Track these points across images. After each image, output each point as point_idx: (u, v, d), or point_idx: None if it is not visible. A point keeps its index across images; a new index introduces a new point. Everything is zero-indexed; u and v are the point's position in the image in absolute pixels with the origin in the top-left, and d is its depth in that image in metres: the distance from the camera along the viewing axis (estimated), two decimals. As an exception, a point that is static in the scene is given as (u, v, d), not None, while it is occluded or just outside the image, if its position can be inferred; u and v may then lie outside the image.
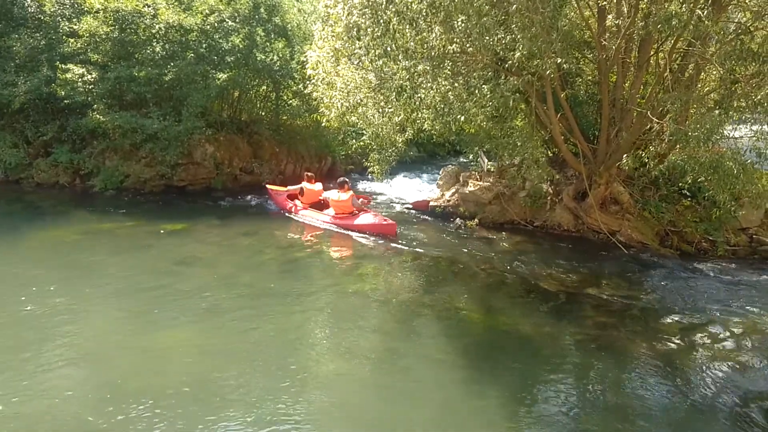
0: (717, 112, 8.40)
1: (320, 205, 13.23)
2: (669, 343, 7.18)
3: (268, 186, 14.53)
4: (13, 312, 7.18)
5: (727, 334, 7.47)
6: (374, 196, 16.08)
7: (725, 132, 9.06)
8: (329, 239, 11.38)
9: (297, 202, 13.43)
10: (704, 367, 6.63)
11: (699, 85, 10.19)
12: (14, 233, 10.82)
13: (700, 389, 6.14)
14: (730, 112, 8.71)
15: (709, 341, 7.27)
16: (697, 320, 7.91)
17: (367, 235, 11.45)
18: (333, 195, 12.58)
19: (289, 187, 14.02)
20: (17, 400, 5.32)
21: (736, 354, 6.97)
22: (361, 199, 12.93)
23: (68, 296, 7.80)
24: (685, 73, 10.16)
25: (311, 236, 11.68)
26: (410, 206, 14.36)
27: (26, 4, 15.05)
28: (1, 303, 7.49)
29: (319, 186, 13.28)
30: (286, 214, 13.26)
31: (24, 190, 14.78)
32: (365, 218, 11.98)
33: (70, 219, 12.34)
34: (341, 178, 13.07)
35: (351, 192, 12.56)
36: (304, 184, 13.33)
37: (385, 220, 11.63)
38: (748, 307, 8.40)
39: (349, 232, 11.88)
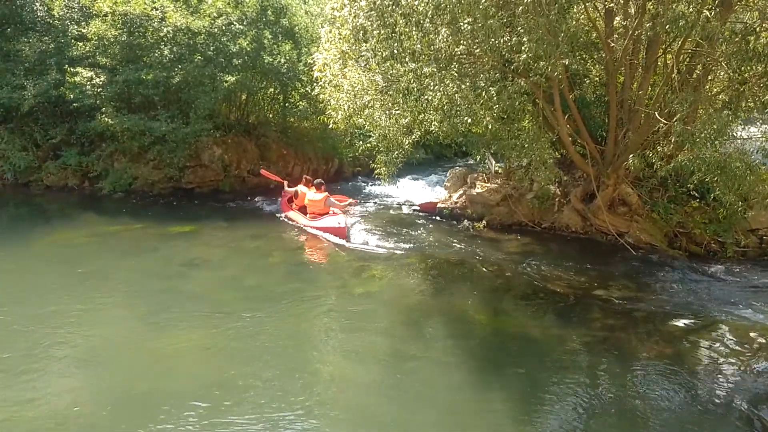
0: (726, 112, 8.36)
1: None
2: (678, 345, 7.14)
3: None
4: (21, 315, 7.21)
5: (737, 336, 7.42)
6: (381, 198, 16.11)
7: (733, 133, 9.03)
8: (336, 242, 11.38)
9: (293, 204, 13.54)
10: (714, 370, 6.59)
11: (707, 86, 10.14)
12: (23, 236, 10.87)
13: (709, 392, 6.10)
14: (739, 113, 8.67)
15: (718, 343, 7.22)
16: (706, 322, 7.87)
17: (372, 236, 11.50)
18: (309, 195, 12.84)
19: (287, 189, 14.00)
20: (25, 403, 5.34)
21: (746, 356, 6.92)
22: (349, 201, 13.63)
23: (76, 299, 7.84)
24: (693, 74, 10.12)
25: (318, 239, 11.68)
26: (417, 208, 14.35)
27: (35, 8, 15.16)
28: (8, 305, 7.53)
29: (313, 190, 13.25)
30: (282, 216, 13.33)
31: (33, 192, 14.87)
32: (326, 221, 12.13)
33: (79, 221, 12.40)
34: (318, 180, 13.31)
35: (326, 193, 12.81)
36: (300, 187, 13.40)
37: (339, 223, 11.71)
38: (757, 309, 8.34)
39: (314, 232, 11.99)
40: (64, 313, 7.33)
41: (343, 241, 11.29)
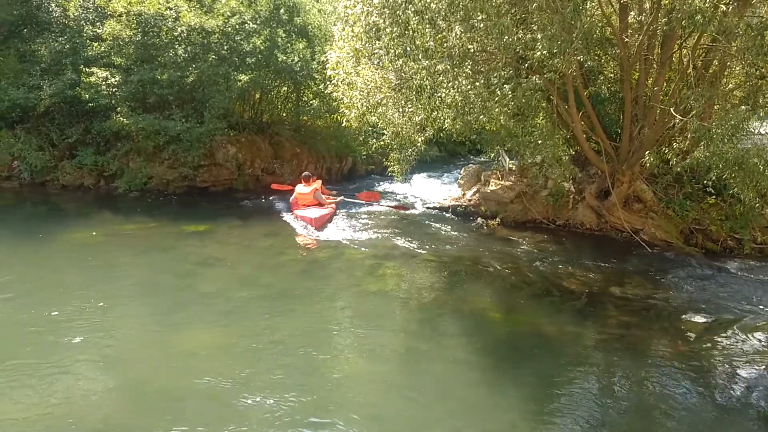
0: (743, 108, 8.27)
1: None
2: (693, 343, 7.09)
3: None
4: (37, 313, 7.27)
5: (753, 333, 7.35)
6: (395, 196, 16.11)
7: (752, 128, 8.93)
8: (349, 239, 11.40)
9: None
10: (729, 368, 6.53)
11: (723, 81, 10.04)
12: (40, 235, 10.96)
13: (724, 390, 6.06)
14: (757, 108, 8.57)
15: (734, 341, 7.16)
16: (723, 320, 7.80)
17: (385, 233, 11.53)
18: (299, 188, 13.22)
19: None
20: (41, 401, 5.39)
21: (762, 354, 6.86)
22: (341, 197, 14.05)
23: (92, 297, 7.89)
24: (709, 69, 10.03)
25: (331, 236, 11.69)
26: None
27: (51, 9, 15.30)
28: (25, 304, 7.59)
29: (303, 184, 13.44)
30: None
31: (49, 192, 14.98)
32: (306, 211, 12.56)
33: (95, 220, 12.48)
34: (306, 173, 13.67)
35: (314, 186, 13.16)
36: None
37: (314, 215, 12.17)
38: (775, 307, 8.27)
39: (294, 220, 12.49)
40: (81, 311, 7.38)
41: (316, 232, 11.67)
